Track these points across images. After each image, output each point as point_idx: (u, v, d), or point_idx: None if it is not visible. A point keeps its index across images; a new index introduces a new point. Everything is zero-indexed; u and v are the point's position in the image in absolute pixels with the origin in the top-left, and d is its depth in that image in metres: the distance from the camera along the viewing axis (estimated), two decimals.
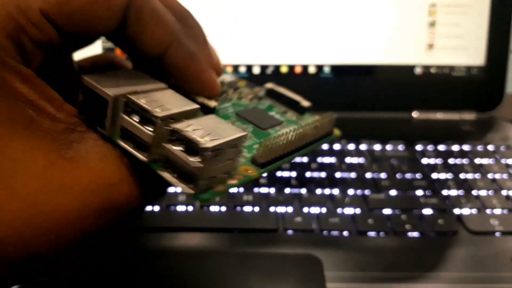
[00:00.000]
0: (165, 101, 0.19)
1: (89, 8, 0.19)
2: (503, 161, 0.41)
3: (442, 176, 0.38)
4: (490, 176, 0.39)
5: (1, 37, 0.17)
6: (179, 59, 0.21)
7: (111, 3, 0.19)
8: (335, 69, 0.48)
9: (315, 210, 0.34)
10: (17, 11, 0.18)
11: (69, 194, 0.16)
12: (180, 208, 0.34)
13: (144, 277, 0.28)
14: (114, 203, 0.17)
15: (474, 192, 0.36)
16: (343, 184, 0.37)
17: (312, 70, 0.48)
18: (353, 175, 0.38)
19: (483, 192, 0.36)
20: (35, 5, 0.18)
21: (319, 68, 0.48)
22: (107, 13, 0.19)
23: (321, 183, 0.37)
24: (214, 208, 0.34)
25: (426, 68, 0.48)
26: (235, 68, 0.47)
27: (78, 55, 0.23)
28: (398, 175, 0.38)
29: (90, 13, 0.19)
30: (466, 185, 0.37)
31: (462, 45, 0.48)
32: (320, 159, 0.40)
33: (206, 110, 0.21)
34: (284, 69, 0.48)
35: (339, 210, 0.34)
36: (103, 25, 0.20)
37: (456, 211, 0.34)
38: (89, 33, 0.20)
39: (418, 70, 0.48)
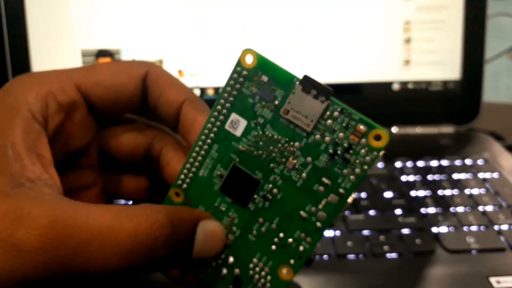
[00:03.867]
0: None
1: (115, 76, 0.24)
2: (480, 175, 0.42)
3: (421, 193, 0.39)
4: (467, 191, 0.39)
5: (35, 100, 0.22)
6: (190, 114, 0.24)
7: (133, 72, 0.24)
8: None
9: None
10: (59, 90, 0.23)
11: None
12: None
13: None
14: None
15: (451, 209, 0.37)
16: None
17: None
18: None
19: (460, 209, 0.37)
20: (73, 82, 0.23)
21: None
22: (129, 80, 0.24)
23: None
24: None
25: (404, 84, 0.49)
26: (216, 90, 0.48)
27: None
28: (377, 195, 0.39)
29: (115, 80, 0.24)
30: (444, 202, 0.38)
31: (438, 60, 0.49)
32: None
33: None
34: None
35: None
36: (126, 91, 0.24)
37: (434, 229, 0.35)
38: (116, 98, 0.24)
39: (395, 86, 0.49)
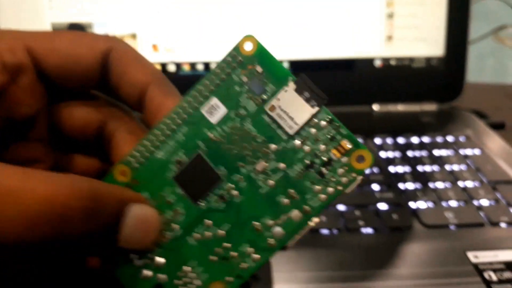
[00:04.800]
0: None
1: (73, 45, 0.22)
2: (461, 151, 0.40)
3: (400, 169, 0.38)
4: (447, 167, 0.38)
5: None
6: (156, 98, 0.22)
7: (95, 45, 0.22)
8: (294, 64, 0.47)
9: None
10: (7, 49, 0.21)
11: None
12: None
13: None
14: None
15: (431, 185, 0.36)
16: None
17: None
18: None
19: (440, 185, 0.36)
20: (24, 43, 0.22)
21: None
22: (89, 52, 0.22)
23: None
24: None
25: (386, 60, 0.47)
26: (192, 65, 0.46)
27: None
28: None
29: (73, 50, 0.22)
30: (423, 178, 0.37)
31: (421, 36, 0.47)
32: None
33: None
34: None
35: None
36: (84, 64, 0.22)
37: (412, 205, 0.34)
38: (71, 70, 0.22)
39: (377, 63, 0.47)
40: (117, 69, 0.22)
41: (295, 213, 0.19)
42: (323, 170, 0.19)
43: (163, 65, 0.46)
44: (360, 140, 0.41)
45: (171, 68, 0.46)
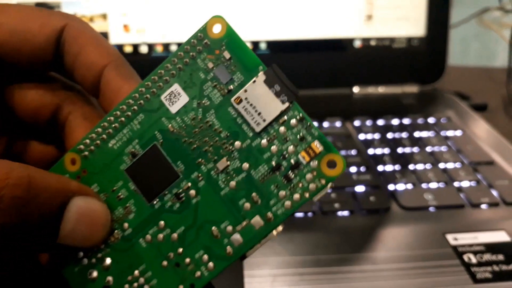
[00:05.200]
0: None
1: (23, 21, 0.20)
2: (442, 133, 0.39)
3: (379, 151, 0.37)
4: (428, 149, 0.37)
5: None
6: (114, 81, 0.20)
7: (48, 21, 0.20)
8: (272, 45, 0.45)
9: None
10: None
11: None
12: None
13: None
14: None
15: (410, 167, 0.35)
16: None
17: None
18: None
19: (419, 166, 0.35)
20: None
21: (255, 44, 0.45)
22: (41, 29, 0.20)
23: None
24: None
25: (366, 40, 0.46)
26: (165, 46, 0.44)
27: None
28: None
29: (23, 26, 0.20)
30: (403, 160, 0.36)
31: (402, 16, 0.46)
32: None
33: None
34: None
35: None
36: (34, 42, 0.20)
37: (391, 187, 0.33)
38: (20, 47, 0.20)
39: (357, 43, 0.46)
40: (72, 48, 0.21)
41: (256, 220, 0.18)
42: (290, 174, 0.17)
43: (135, 47, 0.44)
44: (338, 123, 0.40)
45: (143, 49, 0.44)
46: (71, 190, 0.18)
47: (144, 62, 0.44)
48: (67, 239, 0.17)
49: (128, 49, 0.44)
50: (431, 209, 0.31)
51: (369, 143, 0.38)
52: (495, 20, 0.66)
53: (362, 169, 0.34)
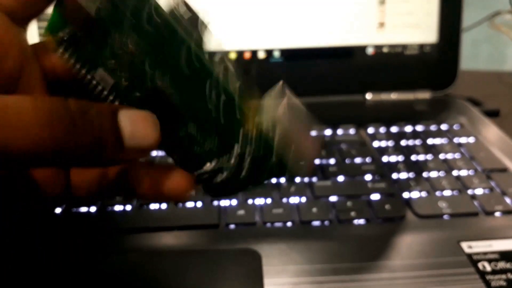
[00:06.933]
0: None
1: None
2: (455, 140, 0.40)
3: (393, 159, 0.37)
4: (441, 156, 0.38)
5: None
6: None
7: None
8: (285, 53, 0.46)
9: (259, 201, 0.33)
10: None
11: None
12: (118, 208, 0.32)
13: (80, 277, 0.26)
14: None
15: (424, 174, 0.35)
16: None
17: (261, 55, 0.46)
18: None
19: (433, 174, 0.35)
20: None
21: (269, 53, 0.46)
22: None
23: None
24: (154, 206, 0.32)
25: (378, 48, 0.46)
26: None
27: None
28: (347, 160, 0.37)
29: None
30: (417, 167, 0.36)
31: (414, 22, 0.46)
32: None
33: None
34: (232, 56, 0.46)
35: (284, 200, 0.33)
36: None
37: (405, 195, 0.33)
38: None
39: (370, 50, 0.46)
40: None
41: None
42: None
43: None
44: (352, 130, 0.41)
45: None
46: (113, 106, 0.19)
47: None
48: (131, 142, 0.19)
49: None
50: (446, 217, 0.31)
51: (383, 151, 0.38)
52: (506, 23, 0.67)
53: (377, 177, 0.35)
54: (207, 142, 0.20)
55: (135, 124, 0.19)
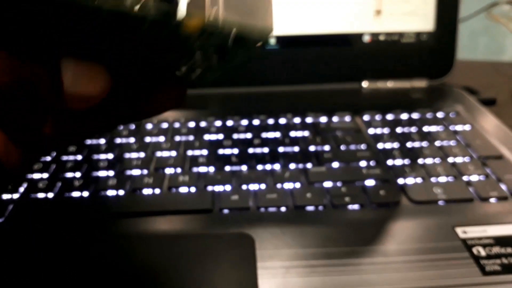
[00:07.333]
0: None
1: None
2: (451, 127, 0.40)
3: (388, 146, 0.37)
4: (437, 143, 0.37)
5: None
6: None
7: None
8: (281, 40, 0.46)
9: (254, 187, 0.32)
10: None
11: None
12: (111, 192, 0.32)
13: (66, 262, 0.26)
14: None
15: (420, 161, 0.35)
16: (285, 158, 0.35)
17: None
18: (296, 149, 0.37)
19: (429, 161, 0.35)
20: None
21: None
22: None
23: (263, 158, 0.36)
24: (147, 191, 0.32)
25: (375, 35, 0.46)
26: None
27: None
28: (342, 147, 0.37)
29: None
30: (412, 154, 0.36)
31: (411, 10, 0.46)
32: (264, 134, 0.39)
33: None
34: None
35: (278, 186, 0.32)
36: None
37: (400, 181, 0.33)
38: None
39: (366, 38, 0.46)
40: None
41: None
42: None
43: None
44: (348, 117, 0.40)
45: None
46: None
47: None
48: (72, 89, 0.17)
49: None
50: (441, 202, 0.31)
51: (378, 138, 0.38)
52: (504, 14, 0.66)
53: (372, 163, 0.35)
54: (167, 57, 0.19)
55: (79, 71, 0.17)
